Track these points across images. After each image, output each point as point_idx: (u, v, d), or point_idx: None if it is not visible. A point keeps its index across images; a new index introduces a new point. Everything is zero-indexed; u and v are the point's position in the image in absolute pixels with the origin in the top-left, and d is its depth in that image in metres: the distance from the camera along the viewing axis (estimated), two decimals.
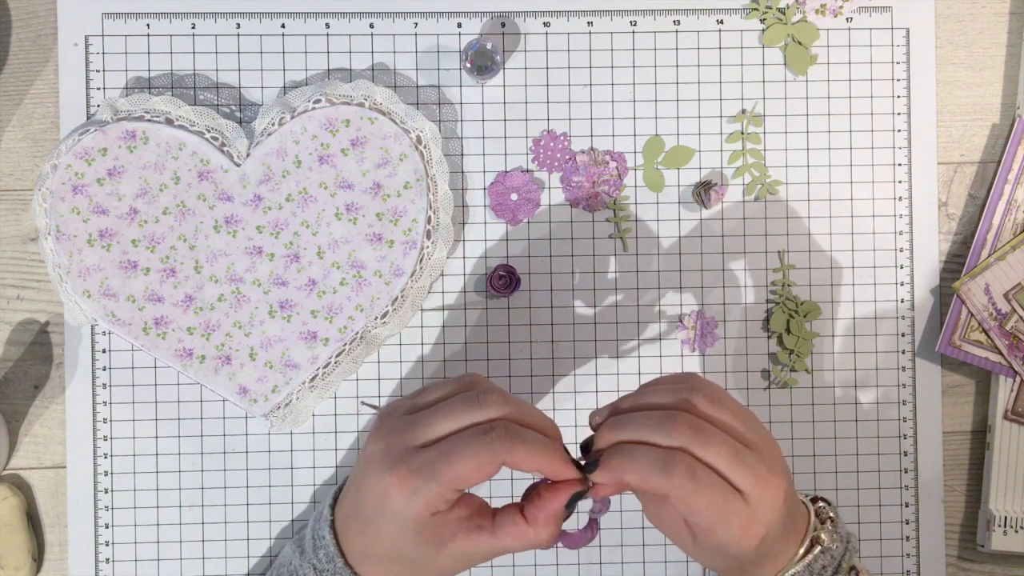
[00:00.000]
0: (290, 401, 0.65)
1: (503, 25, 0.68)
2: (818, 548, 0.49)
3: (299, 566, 0.50)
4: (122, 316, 0.64)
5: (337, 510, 0.50)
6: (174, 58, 0.66)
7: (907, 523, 0.68)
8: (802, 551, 0.49)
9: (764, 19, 0.68)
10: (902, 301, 0.69)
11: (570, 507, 0.47)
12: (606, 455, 0.46)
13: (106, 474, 0.66)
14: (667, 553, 0.67)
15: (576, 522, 0.64)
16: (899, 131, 0.69)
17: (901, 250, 0.69)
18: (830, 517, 0.51)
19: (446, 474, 0.44)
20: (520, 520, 0.47)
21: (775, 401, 0.68)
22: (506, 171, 0.67)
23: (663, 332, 0.68)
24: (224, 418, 0.67)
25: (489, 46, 0.65)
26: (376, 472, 0.46)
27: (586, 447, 0.49)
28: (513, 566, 0.67)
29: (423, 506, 0.45)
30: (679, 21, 0.68)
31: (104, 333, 0.66)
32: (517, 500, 0.49)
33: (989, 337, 0.67)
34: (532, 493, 0.48)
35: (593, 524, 0.51)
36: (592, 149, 0.68)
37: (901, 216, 0.69)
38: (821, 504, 0.52)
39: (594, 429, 0.49)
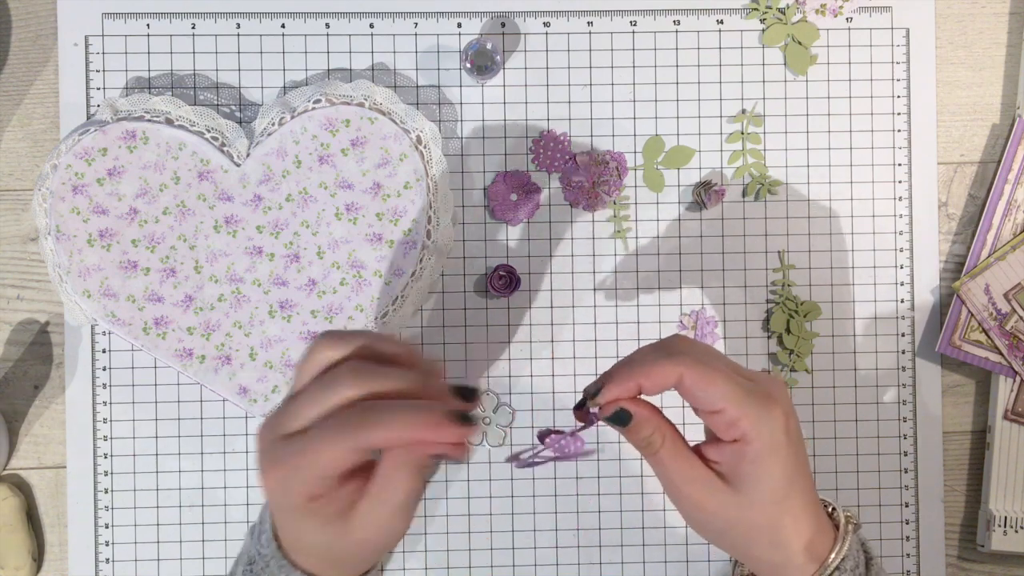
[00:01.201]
0: None
1: (503, 25, 0.68)
2: (851, 527, 0.49)
3: (248, 548, 0.49)
4: (122, 316, 0.64)
5: None
6: (174, 58, 0.66)
7: (907, 523, 0.68)
8: (843, 537, 0.48)
9: (764, 19, 0.68)
10: (902, 301, 0.69)
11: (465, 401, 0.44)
12: (607, 372, 0.46)
13: (106, 474, 0.66)
14: (667, 553, 0.68)
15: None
16: (899, 131, 0.69)
17: (901, 250, 0.69)
18: (833, 507, 0.51)
19: (307, 468, 0.43)
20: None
21: None
22: (506, 171, 0.67)
23: (663, 332, 0.68)
24: (224, 418, 0.67)
25: (489, 46, 0.65)
26: (258, 470, 0.45)
27: (579, 407, 0.48)
28: (513, 566, 0.67)
29: (297, 496, 0.44)
30: (679, 21, 0.68)
31: (104, 333, 0.66)
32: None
33: (989, 337, 0.67)
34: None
35: (576, 436, 0.49)
36: (592, 149, 0.68)
37: (901, 216, 0.69)
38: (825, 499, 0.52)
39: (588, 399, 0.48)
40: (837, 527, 0.49)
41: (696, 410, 0.47)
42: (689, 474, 0.47)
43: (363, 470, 0.45)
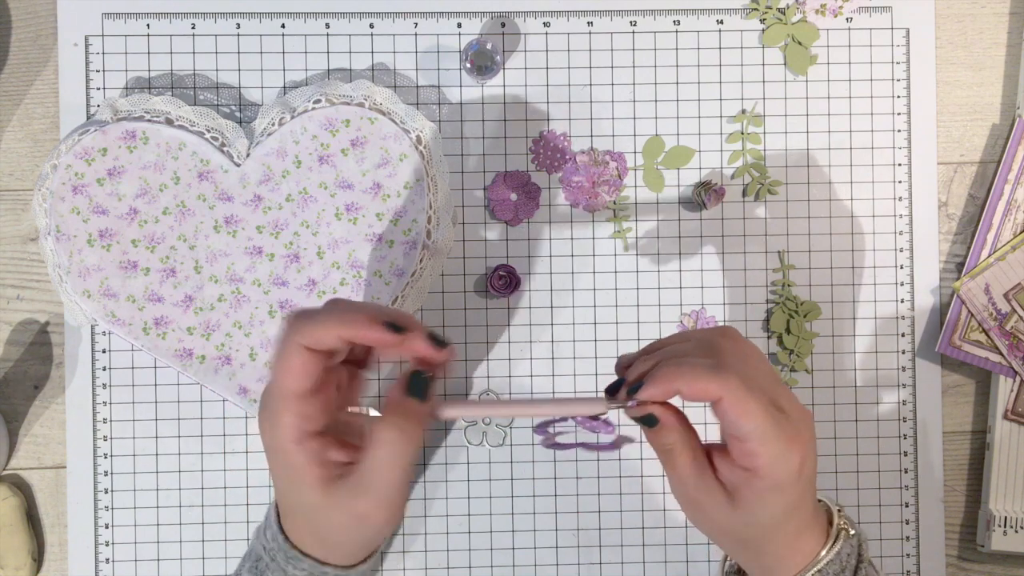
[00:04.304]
0: None
1: (503, 25, 0.68)
2: (843, 537, 0.49)
3: (254, 547, 0.51)
4: (122, 316, 0.64)
5: None
6: (174, 58, 0.66)
7: (907, 523, 0.68)
8: (831, 542, 0.49)
9: (764, 19, 0.68)
10: (902, 301, 0.69)
11: (414, 391, 0.45)
12: (652, 371, 0.45)
13: (106, 474, 0.66)
14: (667, 553, 0.67)
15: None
16: (899, 131, 0.69)
17: (901, 250, 0.69)
18: (839, 509, 0.51)
19: (276, 385, 0.45)
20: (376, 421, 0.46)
21: None
22: (506, 171, 0.67)
23: (662, 332, 0.68)
24: (224, 418, 0.67)
25: (489, 46, 0.65)
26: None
27: (611, 391, 0.48)
28: (513, 566, 0.67)
29: (282, 431, 0.45)
30: (679, 21, 0.68)
31: (104, 333, 0.66)
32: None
33: (989, 337, 0.67)
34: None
35: (618, 440, 0.50)
36: (592, 149, 0.68)
37: (901, 216, 0.69)
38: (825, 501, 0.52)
39: (620, 374, 0.48)
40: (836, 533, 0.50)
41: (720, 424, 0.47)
42: (698, 482, 0.47)
43: (353, 449, 0.46)
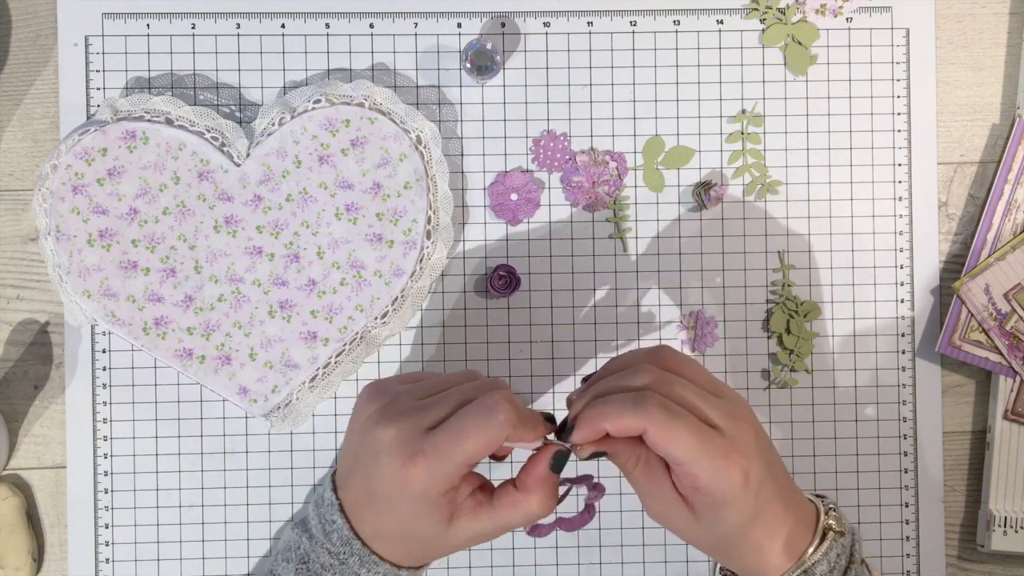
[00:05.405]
0: (290, 401, 0.65)
1: (503, 25, 0.68)
2: (831, 535, 0.49)
3: (310, 550, 0.50)
4: (122, 316, 0.64)
5: (343, 494, 0.50)
6: (174, 58, 0.66)
7: (907, 523, 0.68)
8: (817, 540, 0.49)
9: (764, 19, 0.68)
10: (902, 301, 0.69)
11: (555, 468, 0.49)
12: (581, 413, 0.48)
13: (106, 474, 0.66)
14: (667, 553, 0.68)
15: (575, 506, 0.65)
16: (899, 131, 0.69)
17: (901, 250, 0.69)
18: (831, 508, 0.51)
19: (459, 456, 0.46)
20: (512, 489, 0.49)
21: (775, 401, 0.68)
22: (506, 171, 0.67)
23: (662, 332, 0.68)
24: (224, 418, 0.67)
25: (489, 46, 0.65)
26: (393, 460, 0.47)
27: (563, 427, 0.50)
28: (513, 566, 0.67)
29: (440, 485, 0.47)
30: (679, 21, 0.68)
31: (104, 333, 0.66)
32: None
33: (989, 337, 0.67)
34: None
35: (589, 508, 0.52)
36: (592, 149, 0.68)
37: (901, 216, 0.69)
38: (822, 499, 0.52)
39: (570, 407, 0.51)
40: (823, 533, 0.50)
41: None
42: (657, 495, 0.49)
43: (468, 483, 0.49)
